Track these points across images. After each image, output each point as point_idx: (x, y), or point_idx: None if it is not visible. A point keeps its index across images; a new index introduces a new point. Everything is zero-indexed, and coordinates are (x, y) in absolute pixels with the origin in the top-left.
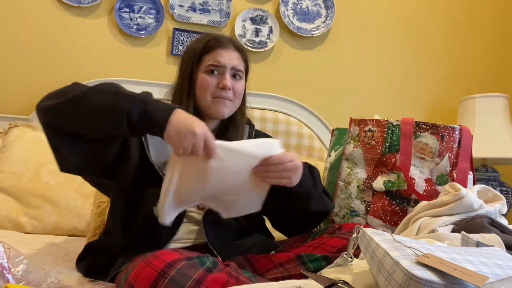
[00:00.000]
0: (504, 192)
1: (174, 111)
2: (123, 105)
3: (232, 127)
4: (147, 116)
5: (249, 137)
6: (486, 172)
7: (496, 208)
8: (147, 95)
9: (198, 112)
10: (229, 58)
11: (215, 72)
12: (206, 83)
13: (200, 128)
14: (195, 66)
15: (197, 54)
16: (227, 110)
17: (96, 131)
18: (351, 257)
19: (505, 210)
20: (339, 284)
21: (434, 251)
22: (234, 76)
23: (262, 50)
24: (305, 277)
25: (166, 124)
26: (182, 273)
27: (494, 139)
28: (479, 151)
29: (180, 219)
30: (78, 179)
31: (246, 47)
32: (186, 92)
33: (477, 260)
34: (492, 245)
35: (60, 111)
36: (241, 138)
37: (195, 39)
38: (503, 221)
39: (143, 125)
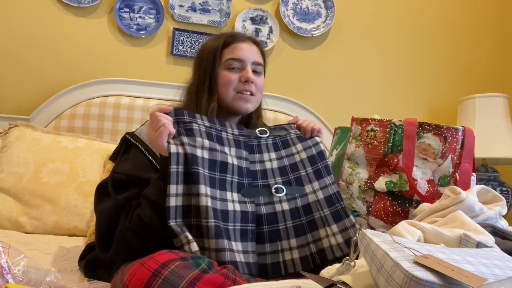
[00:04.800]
0: (504, 192)
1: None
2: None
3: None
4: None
5: None
6: (486, 172)
7: (496, 211)
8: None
9: (221, 110)
10: (249, 52)
11: (236, 67)
12: (228, 79)
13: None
14: (216, 63)
15: (217, 51)
16: (251, 105)
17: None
18: (353, 261)
19: (504, 211)
20: (338, 285)
21: (434, 252)
22: (254, 71)
23: None
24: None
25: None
26: (176, 273)
27: (494, 139)
28: (479, 151)
29: None
30: (78, 179)
31: None
32: (207, 90)
33: (477, 261)
34: (492, 247)
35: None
36: None
37: (211, 38)
38: (504, 223)
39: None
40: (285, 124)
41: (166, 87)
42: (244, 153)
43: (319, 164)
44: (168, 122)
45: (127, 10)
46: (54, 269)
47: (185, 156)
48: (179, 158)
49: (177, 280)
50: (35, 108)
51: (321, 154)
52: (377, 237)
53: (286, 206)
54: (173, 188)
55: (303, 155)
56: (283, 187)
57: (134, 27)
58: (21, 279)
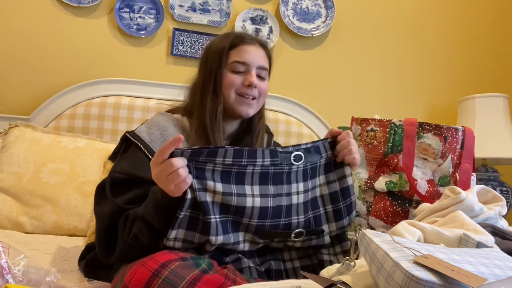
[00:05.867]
0: (504, 192)
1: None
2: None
3: (249, 133)
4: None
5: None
6: (486, 172)
7: (496, 211)
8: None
9: (224, 112)
10: (255, 55)
11: (241, 70)
12: (231, 81)
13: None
14: (222, 64)
15: (224, 51)
16: (251, 110)
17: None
18: (353, 261)
19: (504, 211)
20: (338, 285)
21: (434, 252)
22: (258, 76)
23: None
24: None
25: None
26: (176, 273)
27: (494, 139)
28: (479, 151)
29: None
30: (78, 179)
31: None
32: (211, 91)
33: (477, 261)
34: (492, 247)
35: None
36: (260, 146)
37: (218, 37)
38: (503, 223)
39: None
40: (321, 140)
41: (166, 87)
42: (271, 189)
43: (340, 203)
44: (185, 174)
45: (127, 10)
46: (54, 269)
47: (195, 200)
48: (189, 203)
49: (177, 280)
50: (35, 108)
51: (345, 190)
52: (377, 237)
53: (298, 244)
54: (173, 233)
55: (325, 190)
56: (304, 231)
57: (134, 27)
58: (21, 279)
